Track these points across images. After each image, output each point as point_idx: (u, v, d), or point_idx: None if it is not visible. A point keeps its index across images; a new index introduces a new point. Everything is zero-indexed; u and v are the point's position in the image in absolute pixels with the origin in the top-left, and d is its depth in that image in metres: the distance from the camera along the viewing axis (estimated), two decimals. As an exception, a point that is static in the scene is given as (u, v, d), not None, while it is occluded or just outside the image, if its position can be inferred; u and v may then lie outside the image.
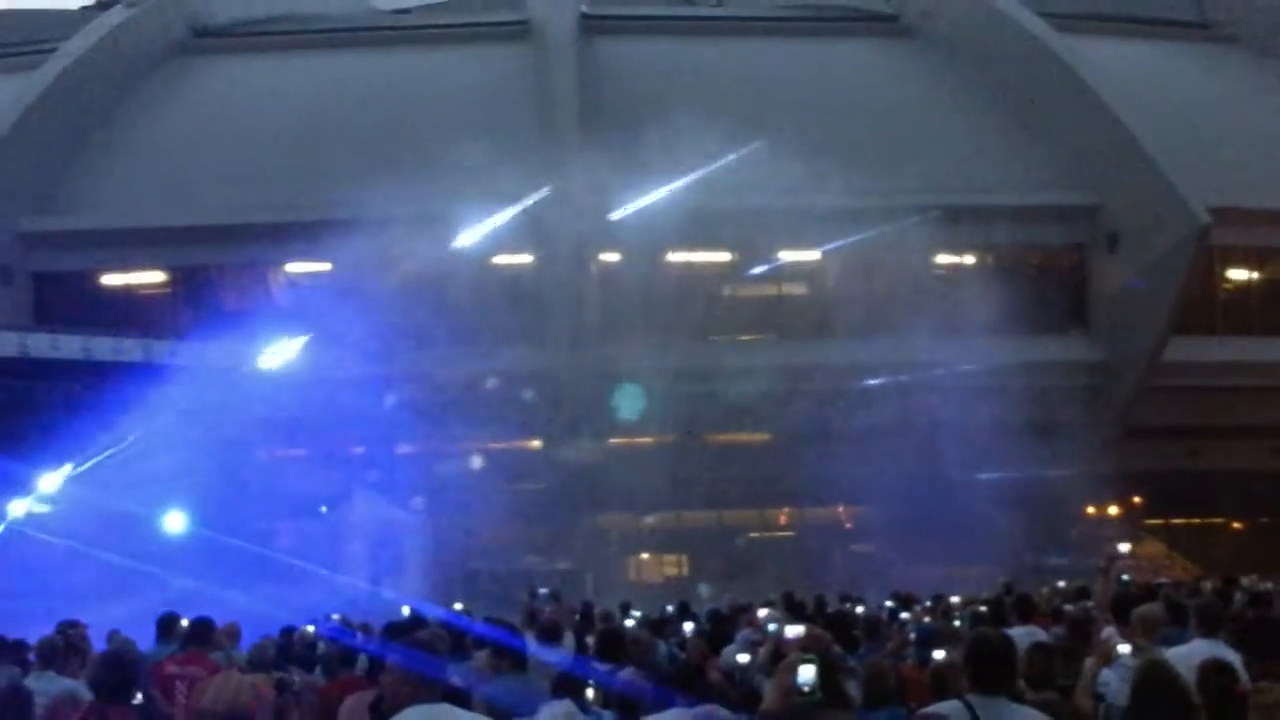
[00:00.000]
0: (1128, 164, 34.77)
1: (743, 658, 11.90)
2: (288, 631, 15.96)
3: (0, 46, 41.39)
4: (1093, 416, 33.76)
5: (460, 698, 8.11)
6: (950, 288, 33.37)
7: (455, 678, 9.77)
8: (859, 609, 19.02)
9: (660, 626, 18.53)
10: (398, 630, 14.80)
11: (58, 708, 10.91)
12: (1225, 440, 35.25)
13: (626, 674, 11.52)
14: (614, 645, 12.31)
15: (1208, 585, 20.50)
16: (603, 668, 11.71)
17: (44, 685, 11.49)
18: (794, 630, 11.40)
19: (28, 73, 37.18)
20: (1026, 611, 14.52)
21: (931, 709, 7.99)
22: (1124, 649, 10.39)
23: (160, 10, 40.47)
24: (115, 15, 39.76)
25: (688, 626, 17.70)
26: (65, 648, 13.85)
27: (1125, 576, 23.03)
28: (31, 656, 13.28)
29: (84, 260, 35.98)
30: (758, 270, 35.49)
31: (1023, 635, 12.81)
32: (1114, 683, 10.06)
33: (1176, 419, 34.96)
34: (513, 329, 32.94)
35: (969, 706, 7.59)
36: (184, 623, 14.71)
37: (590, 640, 15.74)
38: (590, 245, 34.55)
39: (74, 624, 16.34)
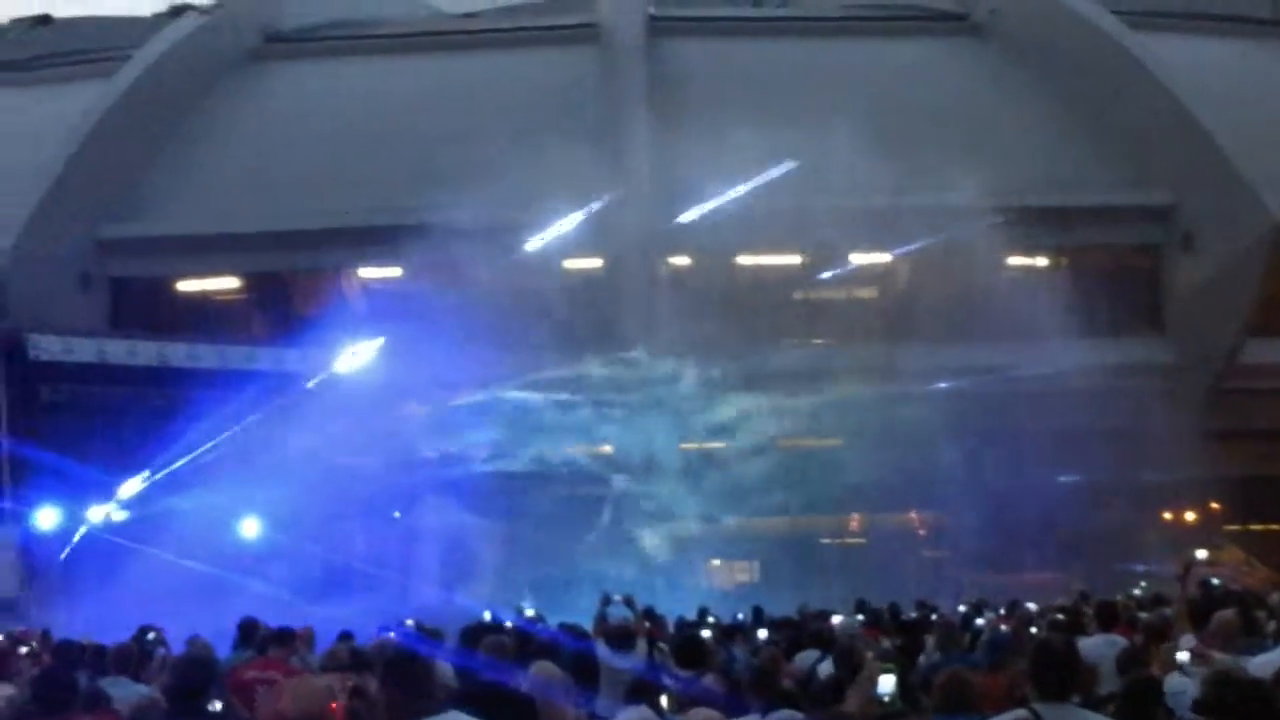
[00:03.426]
0: (1202, 163, 34.39)
1: (824, 667, 11.84)
2: (346, 636, 16.00)
3: (75, 54, 41.88)
4: (1168, 420, 33.40)
5: (524, 705, 8.07)
6: (1023, 289, 33.10)
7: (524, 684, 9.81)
8: (933, 616, 18.93)
9: (731, 633, 18.50)
10: (471, 635, 14.91)
11: (139, 712, 11.01)
12: (1303, 444, 34.80)
13: (708, 681, 11.52)
14: (694, 652, 12.29)
15: (1275, 596, 20.20)
16: (684, 674, 11.70)
17: (118, 691, 11.57)
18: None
19: (102, 80, 37.58)
20: (1108, 619, 14.31)
21: (999, 718, 7.96)
22: (1182, 656, 10.27)
23: (232, 16, 40.81)
24: (188, 22, 40.14)
25: (761, 633, 17.64)
26: (140, 653, 13.98)
27: (1215, 580, 22.75)
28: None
29: (160, 267, 36.36)
30: (828, 273, 35.32)
31: (1104, 644, 12.70)
32: (1186, 693, 9.92)
33: (1253, 422, 34.48)
34: (582, 332, 32.99)
35: (1035, 715, 7.54)
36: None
37: (663, 646, 15.74)
38: (660, 248, 34.55)
39: (150, 629, 16.51)
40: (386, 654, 9.26)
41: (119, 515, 26.13)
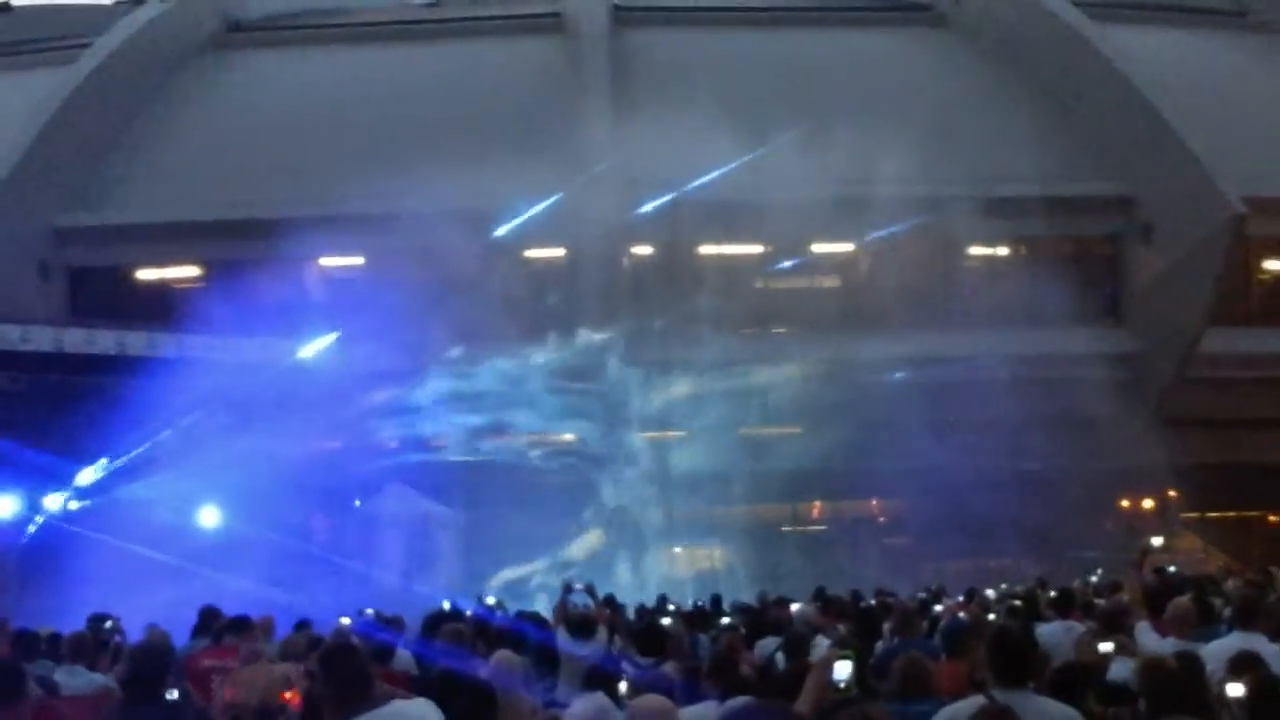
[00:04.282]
0: (1162, 154, 34.56)
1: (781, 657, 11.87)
2: (303, 625, 15.97)
3: (35, 42, 41.62)
4: (1127, 408, 33.57)
5: (482, 693, 8.04)
6: (984, 279, 33.23)
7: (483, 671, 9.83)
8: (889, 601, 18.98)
9: (698, 621, 18.53)
10: (432, 624, 14.91)
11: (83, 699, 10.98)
12: (1262, 432, 34.96)
13: (668, 668, 11.54)
14: (654, 640, 12.32)
15: (1229, 582, 20.37)
16: (644, 662, 11.73)
17: (73, 680, 11.55)
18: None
19: (62, 68, 37.37)
20: (1065, 606, 14.43)
21: (957, 705, 8.00)
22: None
23: (193, 4, 40.62)
24: (149, 10, 39.93)
25: (725, 620, 17.69)
26: (95, 642, 13.91)
27: (1172, 568, 22.89)
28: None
29: (119, 255, 36.10)
30: (791, 262, 35.38)
31: (1061, 630, 12.79)
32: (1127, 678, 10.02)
33: (1212, 411, 34.68)
34: (545, 321, 32.98)
35: (993, 701, 7.59)
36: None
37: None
38: (622, 238, 34.53)
39: (105, 618, 16.43)
40: (321, 647, 9.19)
41: (77, 503, 26.00)
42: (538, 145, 30.67)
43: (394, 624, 16.42)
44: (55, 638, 14.24)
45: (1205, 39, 41.05)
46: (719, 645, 14.39)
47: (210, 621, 14.64)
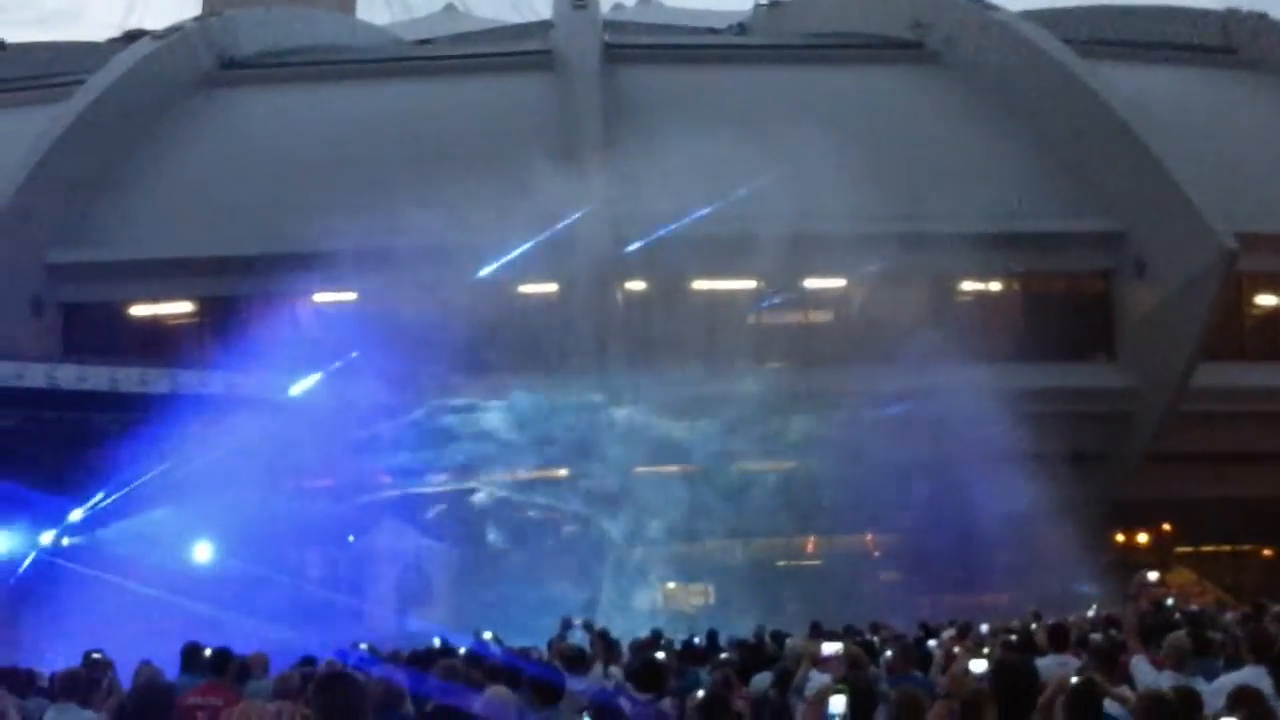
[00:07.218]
0: (1154, 190, 34.64)
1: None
2: (308, 661, 15.87)
3: (28, 79, 41.67)
4: (1121, 443, 33.56)
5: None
6: (977, 315, 33.23)
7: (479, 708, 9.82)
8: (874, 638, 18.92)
9: (697, 656, 18.49)
10: (421, 660, 14.84)
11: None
12: (1254, 466, 34.98)
13: (665, 704, 11.50)
14: (651, 676, 12.26)
15: (1228, 615, 20.35)
16: (641, 697, 11.68)
17: (64, 718, 11.46)
18: (831, 647, 11.32)
19: (56, 105, 37.39)
20: (1060, 641, 14.39)
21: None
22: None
23: (187, 42, 40.68)
24: (143, 47, 39.99)
25: (724, 656, 17.64)
26: (88, 679, 13.84)
27: (1170, 601, 22.85)
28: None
29: (112, 291, 36.11)
30: (783, 298, 35.42)
31: (1055, 664, 12.75)
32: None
33: (1205, 445, 34.73)
34: (537, 358, 32.97)
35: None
36: (207, 653, 14.72)
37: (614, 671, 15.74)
38: (614, 274, 34.57)
39: (98, 655, 16.35)
40: (316, 678, 9.15)
41: (70, 540, 25.95)
42: (529, 181, 30.69)
43: (391, 659, 16.32)
44: (30, 675, 14.13)
45: (1195, 76, 41.25)
46: (713, 680, 14.38)
47: (194, 658, 14.53)
